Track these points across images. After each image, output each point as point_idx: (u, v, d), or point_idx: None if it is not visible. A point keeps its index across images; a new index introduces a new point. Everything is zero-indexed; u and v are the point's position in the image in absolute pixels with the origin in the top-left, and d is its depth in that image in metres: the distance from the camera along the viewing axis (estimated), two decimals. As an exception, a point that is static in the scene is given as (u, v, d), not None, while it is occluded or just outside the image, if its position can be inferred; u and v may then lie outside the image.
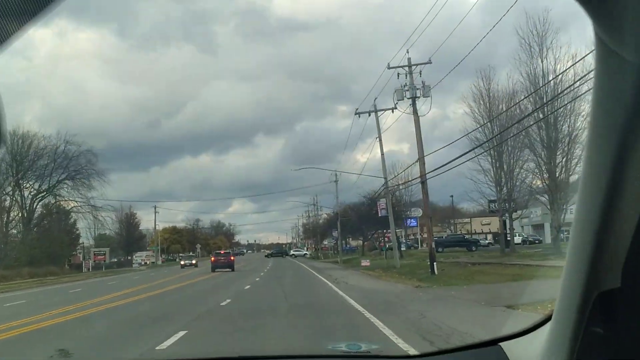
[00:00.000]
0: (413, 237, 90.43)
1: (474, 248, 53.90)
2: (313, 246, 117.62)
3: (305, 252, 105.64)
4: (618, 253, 1.26)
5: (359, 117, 38.98)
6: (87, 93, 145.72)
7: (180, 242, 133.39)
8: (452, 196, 78.59)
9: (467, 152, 30.60)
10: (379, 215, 40.23)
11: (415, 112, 29.52)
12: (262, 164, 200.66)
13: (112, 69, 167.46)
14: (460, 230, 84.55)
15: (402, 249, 55.99)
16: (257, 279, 32.11)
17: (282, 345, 9.25)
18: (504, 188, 36.56)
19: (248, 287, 24.88)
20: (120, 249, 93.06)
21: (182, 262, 71.51)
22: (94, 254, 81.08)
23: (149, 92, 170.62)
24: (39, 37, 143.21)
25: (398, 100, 29.97)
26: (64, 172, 63.30)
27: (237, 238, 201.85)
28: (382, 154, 38.48)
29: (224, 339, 10.35)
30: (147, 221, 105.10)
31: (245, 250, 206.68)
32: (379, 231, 67.96)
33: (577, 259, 1.39)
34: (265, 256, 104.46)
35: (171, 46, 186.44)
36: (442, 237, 68.36)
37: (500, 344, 2.23)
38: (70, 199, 64.81)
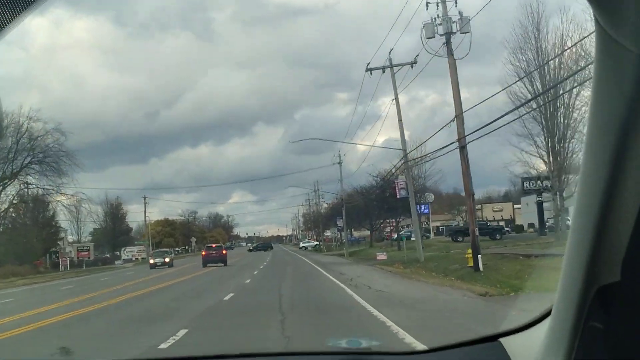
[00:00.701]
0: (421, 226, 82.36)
1: (498, 236, 47.41)
2: (315, 238, 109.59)
3: (316, 243, 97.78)
4: (617, 247, 1.25)
5: (371, 74, 32.25)
6: (84, 83, 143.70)
7: (174, 235, 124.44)
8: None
9: (517, 107, 22.69)
10: (398, 196, 32.56)
11: (450, 52, 21.69)
12: (262, 154, 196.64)
13: (109, 58, 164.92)
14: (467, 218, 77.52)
15: (412, 238, 49.68)
16: (248, 281, 24.87)
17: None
18: (558, 158, 28.33)
19: (229, 297, 16.98)
20: (107, 244, 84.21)
21: (151, 261, 53.31)
22: (77, 250, 75.01)
23: (146, 82, 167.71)
24: (35, 26, 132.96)
25: (428, 38, 22.17)
26: (29, 155, 54.01)
27: (236, 231, 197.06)
28: (400, 119, 30.90)
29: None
30: (140, 213, 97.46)
31: (244, 244, 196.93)
32: (388, 220, 60.11)
33: (576, 254, 1.38)
34: (249, 250, 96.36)
35: (169, 34, 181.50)
36: (458, 224, 60.64)
37: (500, 339, 2.21)
38: (49, 186, 55.50)
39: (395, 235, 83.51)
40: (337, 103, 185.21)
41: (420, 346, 7.14)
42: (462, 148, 21.90)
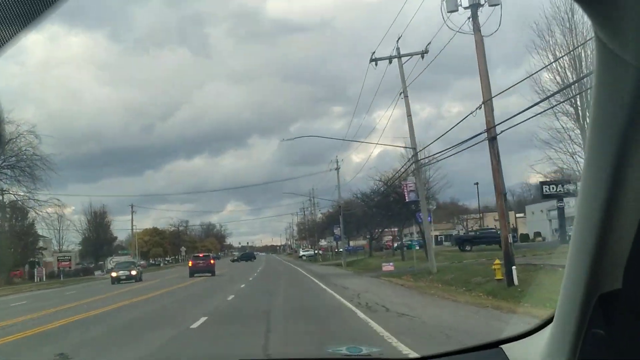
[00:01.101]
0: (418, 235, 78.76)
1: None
2: (309, 247, 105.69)
3: (314, 252, 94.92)
4: (619, 255, 1.27)
5: (376, 65, 28.74)
6: (81, 98, 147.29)
7: (162, 244, 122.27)
8: (477, 184, 67.78)
9: (549, 96, 19.01)
10: (407, 199, 28.99)
11: (477, 28, 17.97)
12: (256, 165, 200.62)
13: (106, 73, 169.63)
14: (473, 226, 77.31)
15: (416, 247, 46.38)
16: (230, 298, 20.86)
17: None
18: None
19: (199, 324, 12.63)
20: (90, 254, 79.87)
21: (113, 274, 44.13)
22: (58, 260, 71.36)
23: (143, 96, 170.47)
24: (32, 42, 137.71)
25: (450, 11, 18.41)
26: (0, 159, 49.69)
27: (229, 241, 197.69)
28: (409, 115, 27.15)
29: None
30: (129, 222, 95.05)
31: (237, 254, 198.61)
32: (387, 229, 56.83)
33: (578, 261, 1.39)
34: (232, 261, 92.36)
35: (164, 49, 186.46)
36: (458, 233, 57.26)
37: (502, 346, 2.21)
38: (22, 192, 51.19)
39: (396, 244, 79.63)
40: (333, 117, 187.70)
41: (413, 353, 7.15)
42: (492, 139, 18.14)
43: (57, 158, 53.08)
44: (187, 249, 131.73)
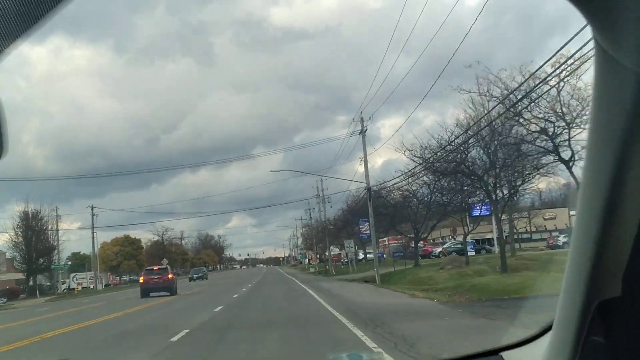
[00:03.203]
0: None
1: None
2: (317, 257, 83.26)
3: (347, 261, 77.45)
4: (618, 262, 1.32)
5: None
6: (85, 110, 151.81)
7: (137, 256, 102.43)
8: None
9: None
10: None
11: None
12: (261, 177, 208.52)
13: (110, 85, 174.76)
14: (527, 227, 67.17)
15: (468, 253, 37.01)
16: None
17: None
18: None
19: None
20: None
21: None
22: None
23: (147, 108, 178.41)
24: (35, 55, 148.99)
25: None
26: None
27: (230, 253, 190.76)
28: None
29: None
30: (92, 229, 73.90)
31: (237, 266, 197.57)
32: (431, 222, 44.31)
33: (577, 269, 1.46)
34: (190, 280, 75.76)
35: (169, 59, 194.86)
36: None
37: (502, 353, 2.31)
38: None
39: (438, 250, 59.38)
40: (337, 125, 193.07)
41: None
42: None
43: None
44: (176, 262, 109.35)
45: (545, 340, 1.82)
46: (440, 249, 62.53)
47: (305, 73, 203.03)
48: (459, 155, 28.42)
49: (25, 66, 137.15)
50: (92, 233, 73.73)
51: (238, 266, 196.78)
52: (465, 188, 33.22)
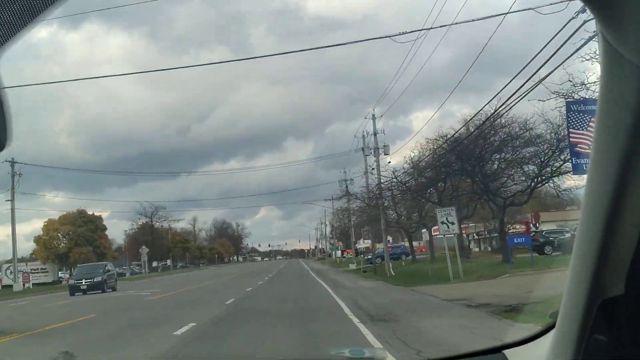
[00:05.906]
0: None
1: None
2: (354, 248, 71.72)
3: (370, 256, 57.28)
4: (622, 260, 1.34)
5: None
6: (118, 99, 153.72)
7: (95, 241, 72.56)
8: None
9: None
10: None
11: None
12: (290, 168, 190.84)
13: (144, 74, 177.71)
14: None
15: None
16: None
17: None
18: None
19: None
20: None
21: None
22: None
23: (180, 97, 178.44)
24: (69, 41, 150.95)
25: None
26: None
27: (250, 243, 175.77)
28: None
29: None
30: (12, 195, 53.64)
31: (259, 258, 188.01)
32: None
33: (581, 267, 1.47)
34: (72, 293, 40.32)
35: (204, 49, 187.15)
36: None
37: (504, 351, 2.30)
38: None
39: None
40: (369, 117, 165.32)
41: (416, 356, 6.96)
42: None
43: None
44: (179, 254, 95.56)
45: (548, 338, 1.82)
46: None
47: (339, 64, 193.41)
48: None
49: (60, 53, 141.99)
50: (12, 203, 50.71)
51: (259, 258, 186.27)
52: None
